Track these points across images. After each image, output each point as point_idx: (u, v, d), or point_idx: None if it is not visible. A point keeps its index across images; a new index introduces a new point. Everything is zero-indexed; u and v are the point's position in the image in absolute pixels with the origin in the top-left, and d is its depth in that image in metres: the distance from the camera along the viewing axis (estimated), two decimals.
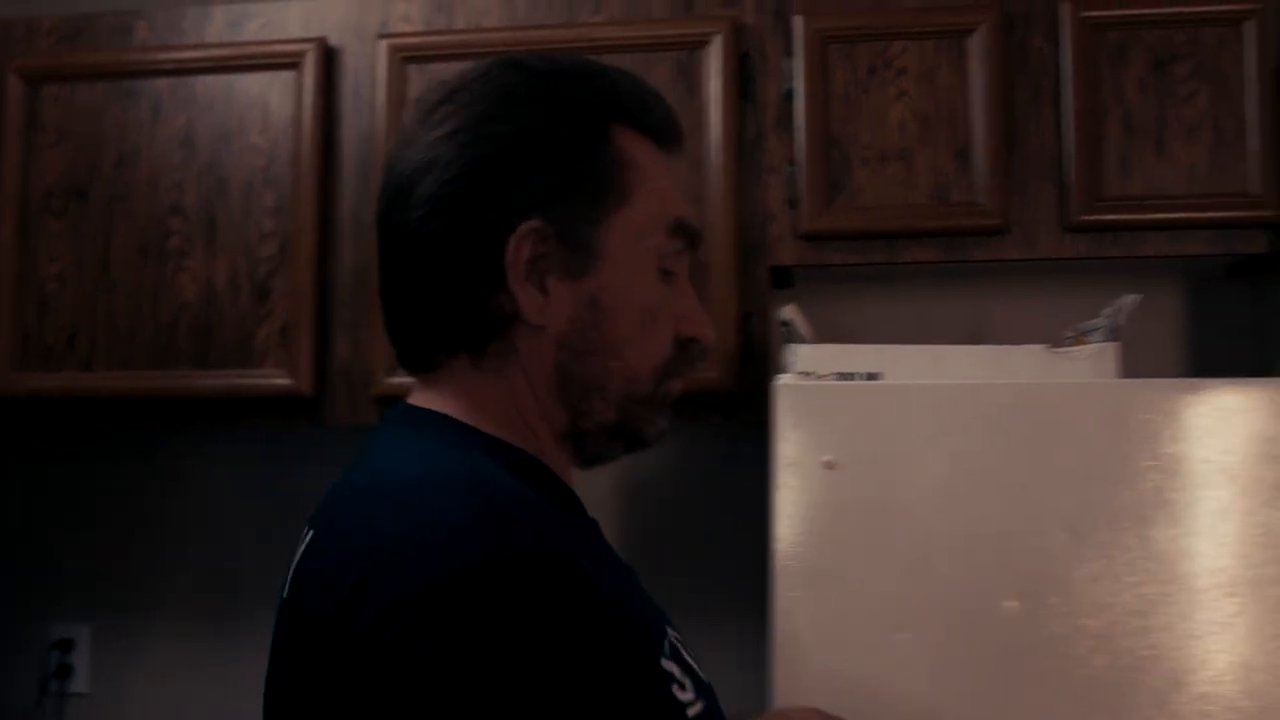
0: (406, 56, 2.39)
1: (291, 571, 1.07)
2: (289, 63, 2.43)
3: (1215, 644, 1.79)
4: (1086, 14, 2.23)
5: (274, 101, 2.43)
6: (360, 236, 2.40)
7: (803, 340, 2.08)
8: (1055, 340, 2.04)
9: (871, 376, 1.96)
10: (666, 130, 1.18)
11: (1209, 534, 1.80)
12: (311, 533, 1.07)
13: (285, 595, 1.08)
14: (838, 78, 2.27)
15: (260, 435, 2.82)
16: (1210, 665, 1.79)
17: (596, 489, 2.62)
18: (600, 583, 0.96)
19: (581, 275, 1.11)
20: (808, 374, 1.99)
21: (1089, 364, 1.96)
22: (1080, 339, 2.05)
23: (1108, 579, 1.80)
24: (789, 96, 2.28)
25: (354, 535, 0.99)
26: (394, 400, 2.34)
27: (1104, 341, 2.01)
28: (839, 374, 1.98)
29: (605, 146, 1.12)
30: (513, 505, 0.97)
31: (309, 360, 2.37)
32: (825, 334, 2.39)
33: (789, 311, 2.10)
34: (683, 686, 1.06)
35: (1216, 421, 1.81)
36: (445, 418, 1.12)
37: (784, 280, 2.48)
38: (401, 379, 2.35)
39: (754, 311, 2.27)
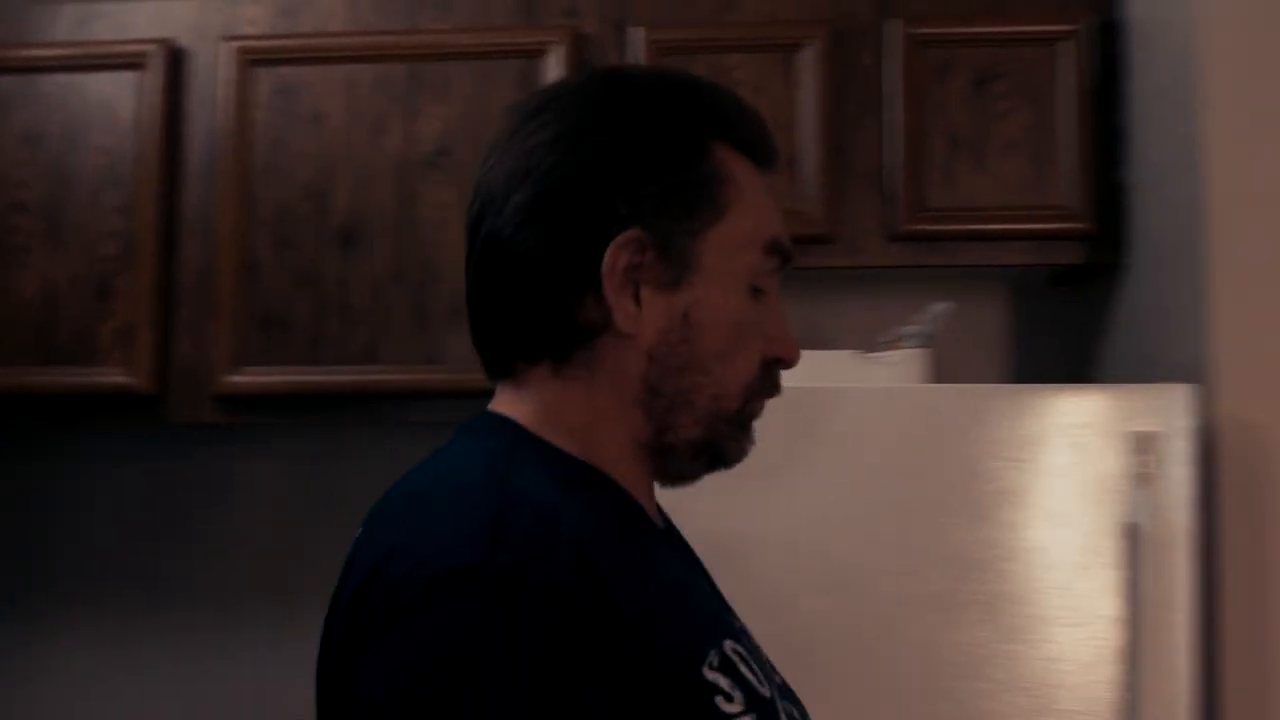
0: (252, 59, 2.42)
1: (346, 564, 1.07)
2: (135, 63, 2.45)
3: (1015, 635, 1.87)
4: (913, 32, 2.32)
5: (120, 102, 2.45)
6: (205, 236, 2.42)
7: None
8: (872, 346, 2.12)
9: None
10: (764, 149, 1.16)
11: (1004, 530, 1.88)
12: (360, 530, 1.08)
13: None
14: None
15: (102, 433, 2.82)
16: (1008, 654, 1.87)
17: None
18: (618, 600, 0.96)
19: (676, 288, 1.10)
20: None
21: (899, 369, 2.03)
22: (895, 344, 2.12)
23: (905, 574, 1.88)
24: None
25: (375, 537, 1.02)
26: (235, 399, 2.39)
27: (918, 348, 2.08)
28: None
29: (705, 160, 1.11)
30: (515, 514, 0.97)
31: (150, 359, 2.39)
32: None
33: None
34: (729, 699, 1.04)
35: (1013, 423, 1.88)
36: (512, 424, 1.11)
37: None
38: (243, 377, 2.38)
39: None
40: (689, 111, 1.11)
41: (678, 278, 1.09)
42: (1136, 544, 1.86)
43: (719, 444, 1.13)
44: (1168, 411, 1.88)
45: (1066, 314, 2.59)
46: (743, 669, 1.09)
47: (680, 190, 1.09)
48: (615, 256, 1.07)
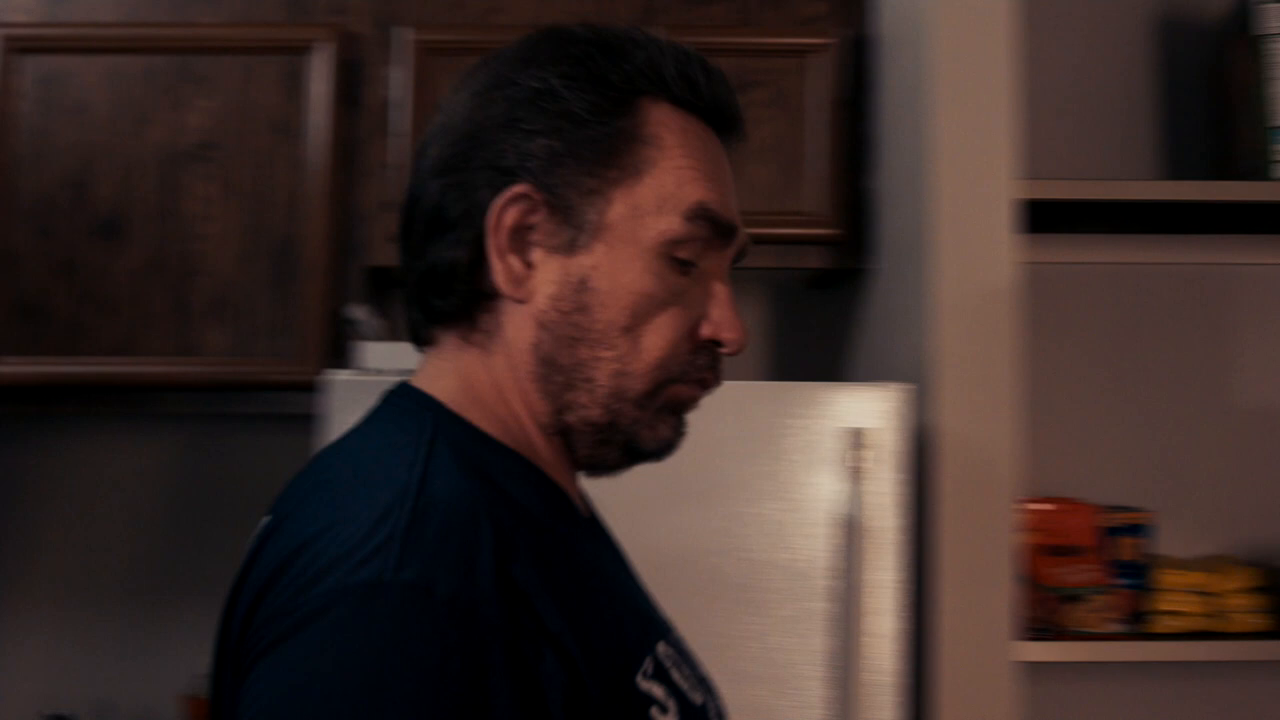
0: (18, 47, 2.41)
1: (247, 554, 1.00)
2: None
3: (730, 624, 1.93)
4: (674, 39, 2.38)
5: None
6: None
7: (372, 338, 2.16)
8: None
9: None
10: (716, 113, 1.08)
11: (723, 521, 1.94)
12: (268, 519, 1.01)
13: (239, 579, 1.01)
14: (439, 88, 2.36)
15: None
16: (723, 643, 1.93)
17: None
18: (543, 611, 0.91)
19: (572, 251, 1.02)
20: (375, 370, 2.07)
21: None
22: None
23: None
24: (389, 105, 2.37)
25: (286, 528, 0.95)
26: None
27: None
28: (406, 371, 2.06)
29: (622, 117, 1.03)
30: (429, 523, 0.91)
31: None
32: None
33: (357, 310, 2.19)
34: (664, 709, 0.99)
35: (735, 418, 1.95)
36: (434, 405, 1.04)
37: (389, 281, 2.56)
38: (1, 367, 2.37)
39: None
40: (615, 66, 1.04)
41: (573, 240, 1.02)
42: (849, 536, 1.93)
43: (628, 429, 1.05)
44: (884, 410, 1.96)
45: (823, 315, 2.68)
46: (675, 675, 1.04)
47: (582, 146, 1.02)
48: (499, 213, 1.01)
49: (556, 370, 1.03)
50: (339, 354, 2.32)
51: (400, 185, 2.35)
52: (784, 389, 1.98)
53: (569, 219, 1.02)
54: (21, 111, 2.39)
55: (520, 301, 1.03)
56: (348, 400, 1.94)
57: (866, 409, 1.96)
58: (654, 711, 0.98)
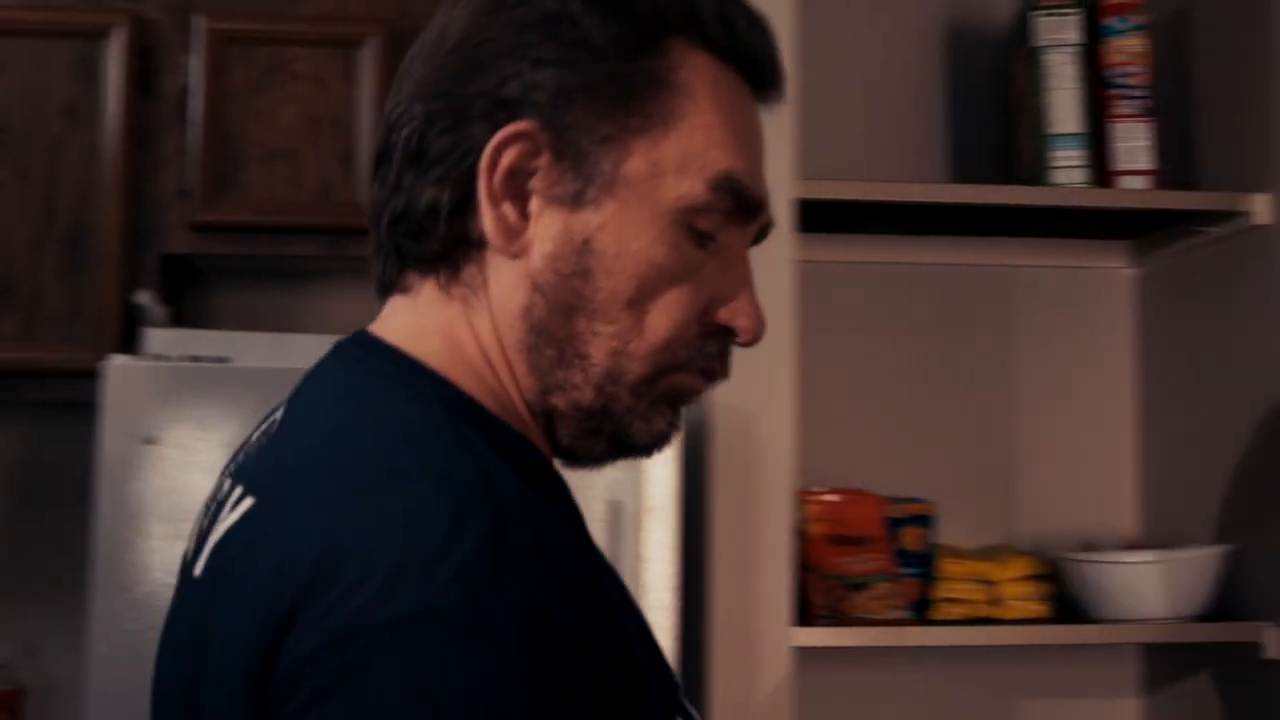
0: None
1: (217, 537, 0.84)
2: None
3: None
4: None
5: None
6: None
7: (157, 324, 2.17)
8: None
9: (221, 360, 2.06)
10: (756, 65, 0.94)
11: None
12: (251, 500, 0.83)
13: (199, 564, 0.86)
14: (235, 77, 2.37)
15: None
16: None
17: None
18: (621, 637, 0.78)
19: (579, 205, 0.88)
20: (160, 356, 2.08)
21: None
22: None
23: None
24: (186, 92, 2.37)
25: (306, 523, 0.78)
26: None
27: None
28: (190, 356, 2.08)
29: (651, 58, 0.88)
30: (515, 535, 0.76)
31: None
32: (231, 323, 2.49)
33: (143, 297, 2.20)
34: None
35: None
36: (421, 369, 0.88)
37: (191, 269, 2.57)
38: None
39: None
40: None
41: (581, 192, 0.88)
42: (619, 520, 1.99)
43: (620, 418, 0.91)
44: None
45: None
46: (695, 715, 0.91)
47: (601, 83, 0.88)
48: (495, 151, 0.87)
49: (549, 342, 0.89)
50: (131, 341, 2.32)
51: (200, 172, 2.35)
52: None
53: (577, 167, 0.88)
54: None
55: (512, 257, 0.88)
56: (127, 386, 1.95)
57: None
58: None
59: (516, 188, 0.87)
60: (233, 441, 1.99)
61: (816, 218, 2.42)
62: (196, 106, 2.36)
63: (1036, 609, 2.51)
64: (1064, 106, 2.44)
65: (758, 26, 0.94)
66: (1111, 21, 2.46)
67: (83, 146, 2.34)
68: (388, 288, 0.93)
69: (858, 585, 2.43)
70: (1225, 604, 2.46)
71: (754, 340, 0.94)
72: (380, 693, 0.70)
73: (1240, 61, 2.46)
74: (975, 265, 2.74)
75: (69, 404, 2.47)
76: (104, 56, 2.36)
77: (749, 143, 0.93)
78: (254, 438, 0.93)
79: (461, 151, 0.87)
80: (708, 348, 0.92)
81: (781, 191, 2.14)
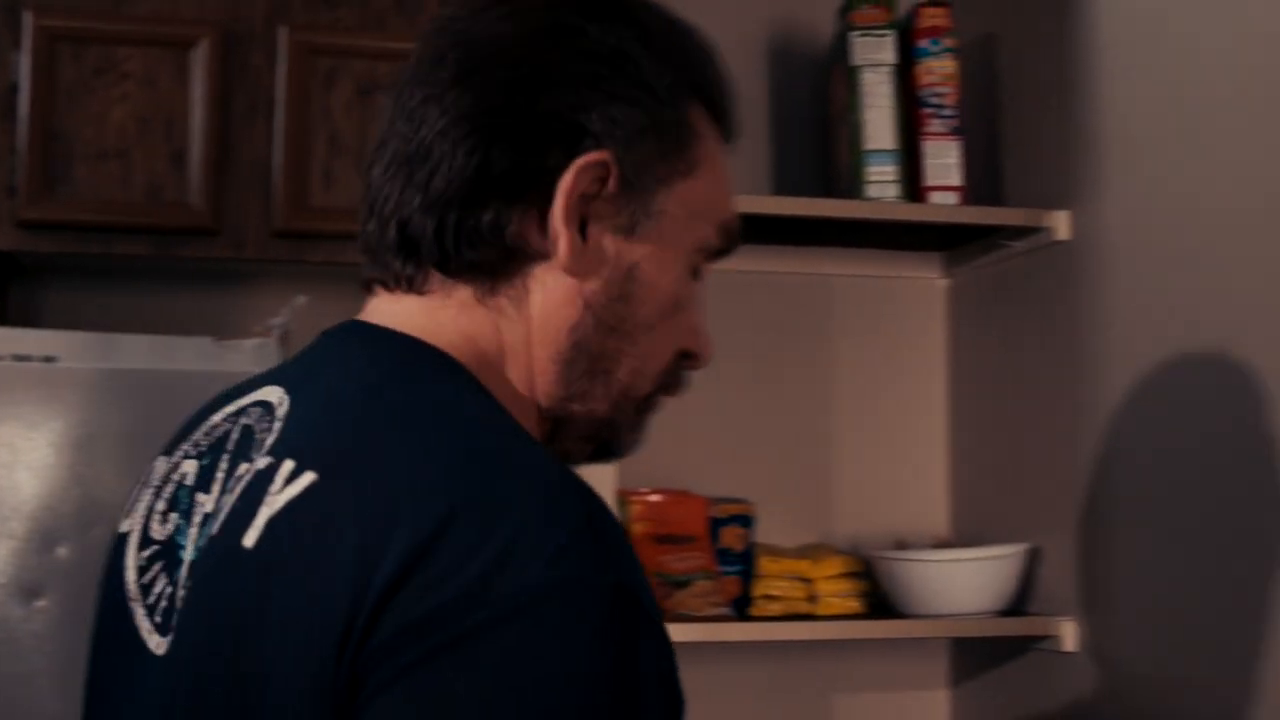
0: None
1: (273, 511, 0.84)
2: None
3: None
4: (302, 39, 2.44)
5: None
6: None
7: None
8: (249, 333, 2.23)
9: (49, 359, 2.06)
10: (729, 122, 1.04)
11: None
12: (313, 475, 0.84)
13: (250, 536, 0.85)
14: (65, 75, 2.37)
15: None
16: None
17: None
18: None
19: (630, 236, 0.96)
20: None
21: (252, 356, 2.15)
22: (264, 333, 2.24)
23: None
24: (15, 89, 2.36)
25: (400, 498, 0.80)
26: None
27: (278, 337, 2.21)
28: (16, 355, 2.08)
29: (687, 108, 0.98)
30: (603, 521, 0.83)
31: None
32: (59, 321, 2.48)
33: None
34: None
35: None
36: (453, 363, 0.93)
37: (17, 267, 2.55)
38: None
39: None
40: (679, 48, 1.00)
41: (634, 225, 0.96)
42: None
43: (618, 429, 1.01)
44: None
45: None
46: None
47: (661, 128, 0.96)
48: (576, 177, 0.93)
49: (585, 357, 0.96)
50: None
51: (27, 170, 2.34)
52: None
53: (636, 200, 0.95)
54: None
55: (572, 275, 0.94)
56: None
57: None
58: None
59: (579, 213, 0.94)
60: (60, 441, 2.00)
61: None
62: (24, 104, 2.34)
63: (851, 605, 2.61)
64: (878, 124, 2.55)
65: (732, 88, 1.04)
66: (924, 44, 2.59)
67: None
68: (393, 283, 0.96)
69: (680, 583, 2.51)
70: (1028, 599, 2.59)
71: (707, 364, 1.05)
72: (492, 658, 0.75)
73: (1043, 85, 2.60)
74: (795, 274, 2.84)
75: None
76: None
77: (730, 191, 1.04)
78: (229, 420, 0.96)
79: (531, 170, 0.92)
80: (678, 371, 1.04)
81: None
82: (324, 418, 0.88)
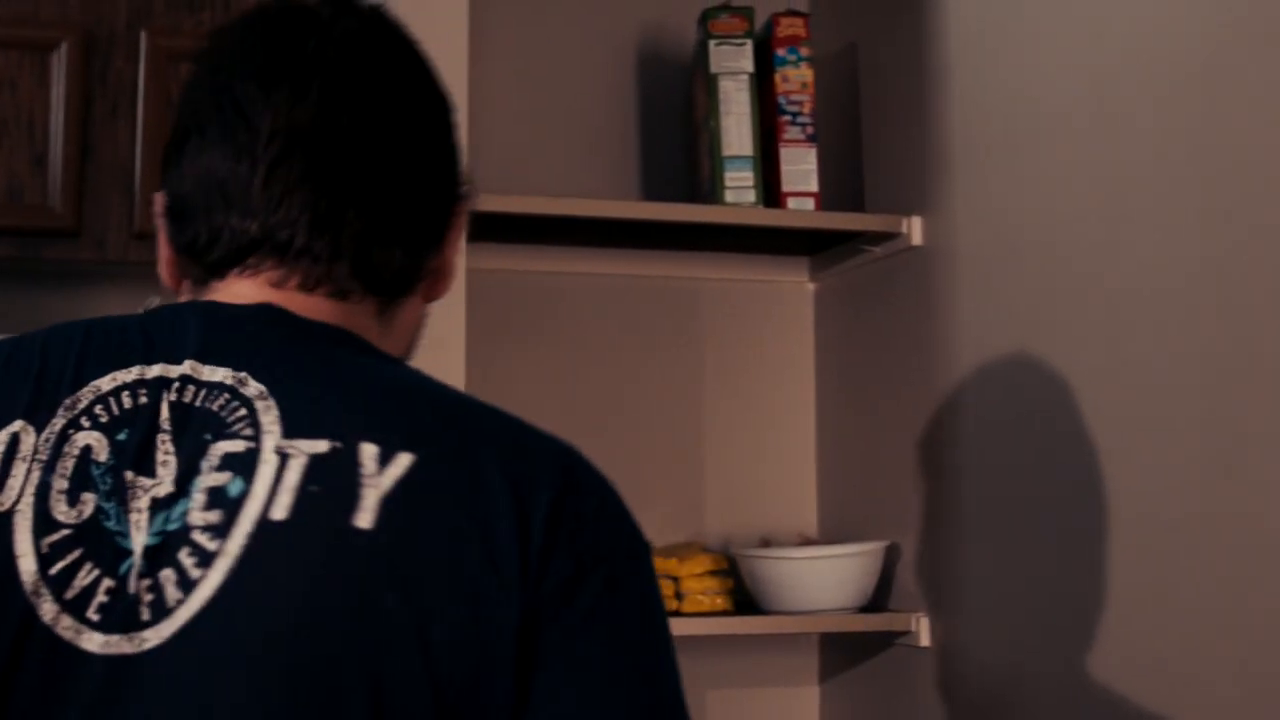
0: None
1: (383, 491, 0.91)
2: None
3: None
4: (163, 43, 2.47)
5: None
6: None
7: None
8: None
9: None
10: None
11: None
12: (411, 455, 0.92)
13: (365, 517, 0.90)
14: None
15: None
16: None
17: None
18: None
19: None
20: None
21: None
22: None
23: None
24: None
25: (514, 462, 0.96)
26: None
27: None
28: None
29: None
30: None
31: None
32: None
33: None
34: None
35: None
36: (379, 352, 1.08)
37: None
38: None
39: None
40: None
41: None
42: None
43: None
44: None
45: None
46: None
47: None
48: (461, 213, 1.14)
49: (409, 352, 1.16)
50: None
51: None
52: None
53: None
54: None
55: (427, 299, 1.15)
56: None
57: None
58: None
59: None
60: None
61: (520, 230, 2.57)
62: None
63: (719, 603, 2.66)
64: (736, 131, 2.61)
65: None
66: (782, 52, 2.65)
67: None
68: (299, 279, 1.04)
69: None
70: (888, 596, 2.66)
71: None
72: (639, 587, 1.00)
73: (900, 93, 2.67)
74: (665, 277, 2.90)
75: None
76: None
77: None
78: (137, 393, 0.95)
79: (441, 219, 1.11)
80: None
81: None
82: (366, 402, 0.97)
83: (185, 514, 0.90)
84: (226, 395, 0.95)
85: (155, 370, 0.96)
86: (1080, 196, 2.14)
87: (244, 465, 0.91)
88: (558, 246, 2.81)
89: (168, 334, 1.00)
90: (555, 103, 2.87)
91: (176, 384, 0.96)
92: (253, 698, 0.86)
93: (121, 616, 0.87)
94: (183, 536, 0.89)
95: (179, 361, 0.97)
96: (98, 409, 0.95)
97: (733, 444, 2.92)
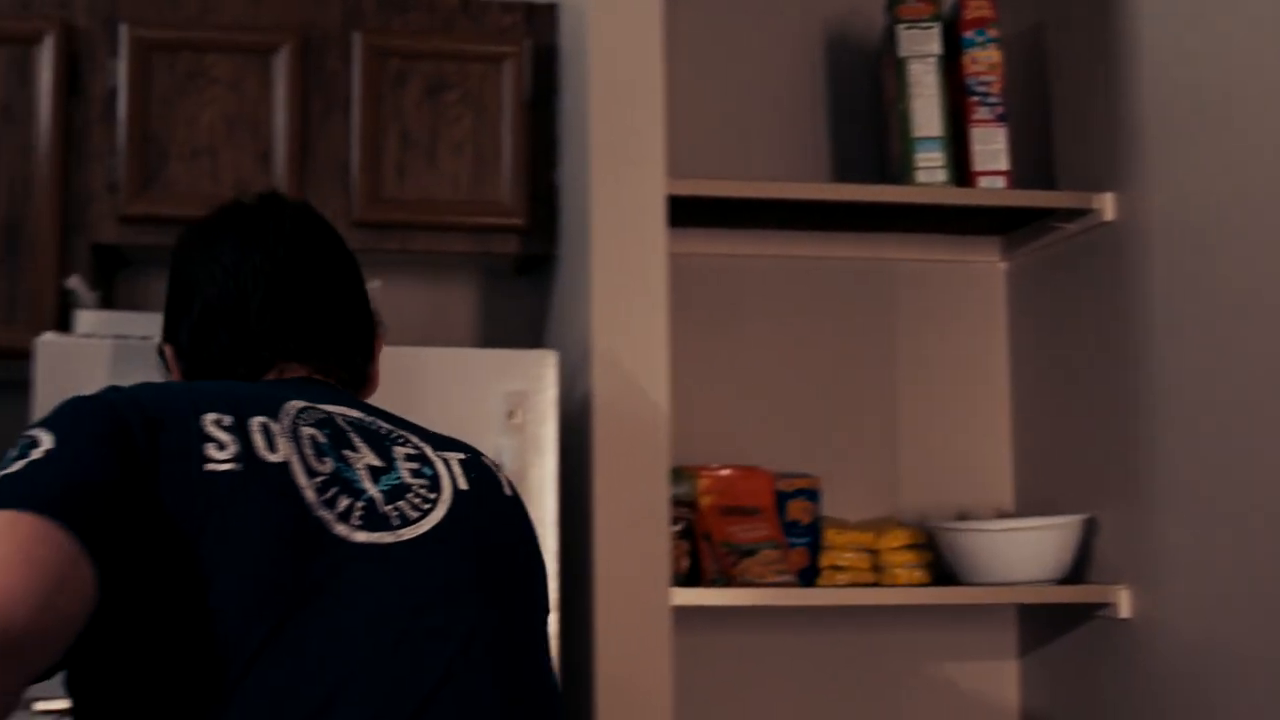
0: None
1: (459, 470, 1.43)
2: None
3: None
4: (374, 43, 2.61)
5: None
6: None
7: (88, 307, 2.35)
8: None
9: (145, 338, 2.24)
10: None
11: None
12: (462, 453, 1.45)
13: (461, 482, 1.41)
14: (158, 80, 2.56)
15: None
16: None
17: None
18: None
19: None
20: (89, 335, 2.26)
21: None
22: None
23: None
24: (113, 94, 2.56)
25: (474, 457, 1.47)
26: None
27: None
28: (117, 335, 2.26)
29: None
30: None
31: None
32: (160, 306, 2.66)
33: (73, 282, 2.38)
34: None
35: (403, 381, 2.19)
36: None
37: (123, 258, 2.75)
38: None
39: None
40: None
41: None
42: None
43: None
44: (537, 375, 2.22)
45: (529, 295, 2.93)
46: None
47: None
48: (380, 336, 1.63)
49: None
50: (66, 324, 2.50)
51: (126, 168, 2.54)
52: (449, 355, 2.22)
53: None
54: None
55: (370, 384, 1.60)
56: (57, 362, 2.13)
57: (521, 373, 2.22)
58: None
59: None
60: None
61: (717, 214, 2.66)
62: (123, 107, 2.54)
63: (916, 576, 2.70)
64: (926, 112, 2.65)
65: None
66: (970, 34, 2.68)
67: (18, 145, 2.52)
68: (340, 374, 1.53)
69: (746, 552, 2.62)
70: (1087, 569, 2.66)
71: None
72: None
73: (1090, 70, 2.68)
74: (858, 259, 2.95)
75: (10, 383, 2.64)
76: (36, 61, 2.55)
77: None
78: (317, 416, 1.38)
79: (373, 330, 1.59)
80: None
81: (653, 189, 2.36)
82: (424, 429, 1.48)
83: (399, 478, 1.37)
84: (368, 419, 1.42)
85: (302, 403, 1.39)
86: (1277, 172, 2.13)
87: (423, 461, 1.41)
88: (752, 230, 2.88)
89: (270, 391, 1.42)
90: (749, 91, 2.95)
91: (327, 412, 1.40)
92: (467, 564, 1.37)
93: (376, 524, 1.32)
94: (406, 489, 1.37)
95: (308, 401, 1.41)
96: (301, 417, 1.36)
97: (927, 420, 2.96)
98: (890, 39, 2.71)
